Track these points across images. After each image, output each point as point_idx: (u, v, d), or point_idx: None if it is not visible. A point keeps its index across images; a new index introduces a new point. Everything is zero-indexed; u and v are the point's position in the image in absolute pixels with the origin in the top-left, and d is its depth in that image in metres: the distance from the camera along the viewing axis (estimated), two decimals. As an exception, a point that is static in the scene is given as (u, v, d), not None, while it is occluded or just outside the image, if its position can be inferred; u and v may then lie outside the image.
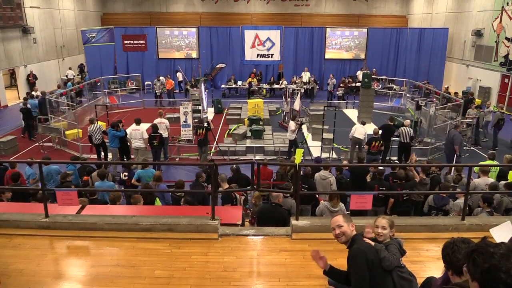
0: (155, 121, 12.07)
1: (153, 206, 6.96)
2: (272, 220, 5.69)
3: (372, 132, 11.43)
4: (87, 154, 12.32)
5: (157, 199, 7.19)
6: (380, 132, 11.40)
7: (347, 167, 9.08)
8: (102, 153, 11.89)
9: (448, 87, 21.73)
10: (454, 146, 10.79)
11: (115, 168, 10.77)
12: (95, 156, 12.35)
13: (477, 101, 18.65)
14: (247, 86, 22.32)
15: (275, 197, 6.01)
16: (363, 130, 11.91)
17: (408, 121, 12.41)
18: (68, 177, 7.73)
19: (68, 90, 18.34)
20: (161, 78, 21.03)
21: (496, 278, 1.67)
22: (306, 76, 23.01)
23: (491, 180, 7.57)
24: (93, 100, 18.26)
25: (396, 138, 12.21)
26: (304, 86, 21.60)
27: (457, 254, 2.59)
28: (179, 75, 22.95)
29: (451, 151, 11.00)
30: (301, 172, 7.77)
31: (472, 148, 13.65)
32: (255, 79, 22.71)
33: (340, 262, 4.55)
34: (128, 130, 11.80)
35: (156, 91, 20.45)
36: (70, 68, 25.66)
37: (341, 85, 21.74)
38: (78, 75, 25.77)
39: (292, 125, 12.18)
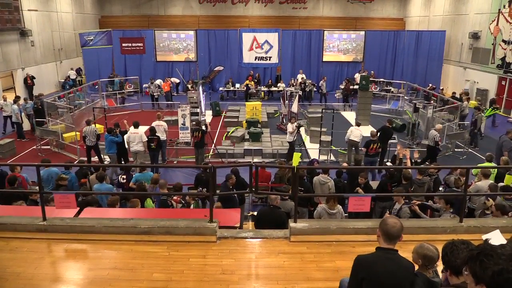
0: (153, 124, 12.06)
1: (151, 209, 6.95)
2: (271, 222, 5.70)
3: (368, 134, 11.43)
4: (84, 157, 12.27)
5: (148, 200, 7.16)
6: (378, 134, 11.42)
7: (345, 170, 9.09)
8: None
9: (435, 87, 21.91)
10: (503, 151, 10.65)
11: (113, 172, 10.74)
12: (92, 159, 12.34)
13: (472, 102, 18.72)
14: (245, 89, 22.32)
15: (273, 200, 6.01)
16: (358, 132, 11.91)
17: (440, 125, 12.36)
18: (61, 180, 7.67)
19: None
20: (156, 81, 20.99)
21: (508, 279, 1.65)
22: (300, 77, 23.00)
23: (491, 183, 7.56)
24: (91, 103, 18.24)
25: (394, 141, 12.23)
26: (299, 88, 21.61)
27: (455, 255, 2.60)
28: (175, 79, 22.96)
29: (500, 156, 10.74)
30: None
31: (470, 150, 13.68)
32: (252, 82, 22.72)
33: (339, 264, 4.56)
34: (126, 133, 11.78)
35: (154, 94, 20.42)
36: (72, 69, 25.70)
37: (340, 87, 21.67)
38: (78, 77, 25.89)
39: (289, 127, 12.19)
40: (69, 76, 25.17)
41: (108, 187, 8.03)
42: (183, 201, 7.22)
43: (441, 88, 22.05)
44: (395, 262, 2.95)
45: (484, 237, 3.57)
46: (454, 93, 19.23)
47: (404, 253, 3.23)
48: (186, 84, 21.35)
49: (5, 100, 14.92)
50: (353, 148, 12.14)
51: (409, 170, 8.15)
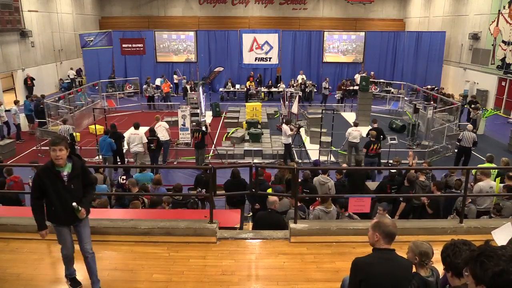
0: (156, 126, 12.02)
1: (151, 210, 6.94)
2: (269, 226, 5.62)
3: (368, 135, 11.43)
4: (85, 158, 12.28)
5: None
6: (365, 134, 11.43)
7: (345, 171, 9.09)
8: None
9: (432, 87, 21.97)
10: None
11: (110, 173, 10.72)
12: (93, 159, 12.35)
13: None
14: (245, 89, 22.33)
15: (271, 203, 5.93)
16: (357, 133, 11.90)
17: (471, 125, 12.33)
18: None
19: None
20: (156, 81, 20.94)
21: (508, 281, 1.66)
22: (300, 78, 23.02)
23: (493, 183, 7.52)
24: (91, 104, 18.23)
25: (394, 142, 12.21)
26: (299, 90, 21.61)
27: (458, 256, 2.57)
28: (176, 77, 22.99)
29: None
30: (300, 177, 7.79)
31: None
32: (252, 83, 22.71)
33: (339, 265, 4.56)
34: (126, 134, 11.77)
35: (154, 95, 20.42)
36: (71, 69, 25.70)
37: (342, 87, 21.75)
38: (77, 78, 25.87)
39: (287, 129, 12.14)
40: (68, 76, 25.12)
41: (103, 187, 7.97)
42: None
43: (435, 87, 22.01)
44: (393, 263, 2.96)
45: (493, 232, 3.56)
46: (442, 88, 19.19)
47: (404, 254, 3.24)
48: (185, 85, 21.30)
49: (0, 105, 14.67)
50: (353, 149, 12.13)
51: (414, 173, 8.05)
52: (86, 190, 4.02)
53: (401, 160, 9.54)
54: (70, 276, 4.15)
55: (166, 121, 13.76)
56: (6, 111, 14.81)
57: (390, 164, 11.29)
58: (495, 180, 8.00)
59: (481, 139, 14.78)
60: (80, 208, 3.82)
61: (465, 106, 15.73)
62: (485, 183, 7.39)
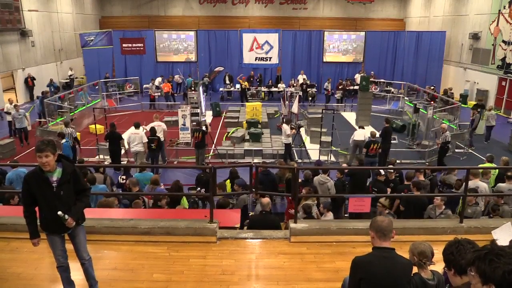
0: (153, 124, 12.03)
1: (151, 209, 6.94)
2: (264, 228, 5.60)
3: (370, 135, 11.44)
4: (85, 157, 12.26)
5: (184, 198, 7.13)
6: (378, 134, 11.41)
7: (346, 171, 9.08)
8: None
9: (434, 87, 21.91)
10: None
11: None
12: (93, 159, 12.37)
13: (470, 103, 18.72)
14: (239, 89, 22.31)
15: (266, 205, 5.90)
16: (362, 132, 11.95)
17: (444, 124, 12.34)
18: None
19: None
20: (155, 81, 20.99)
21: None
22: (301, 78, 23.01)
23: (481, 183, 7.46)
24: (91, 103, 18.23)
25: (394, 141, 12.22)
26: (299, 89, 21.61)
27: (462, 254, 2.55)
28: (178, 78, 22.99)
29: None
30: (301, 177, 7.80)
31: (470, 151, 13.67)
32: (246, 82, 22.63)
33: (339, 264, 4.56)
34: (127, 134, 11.76)
35: (155, 95, 20.42)
36: (71, 69, 25.67)
37: (339, 87, 21.73)
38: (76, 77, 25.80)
39: (287, 129, 12.14)
40: (69, 76, 25.06)
41: (101, 187, 7.97)
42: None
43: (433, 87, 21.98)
44: (392, 261, 2.96)
45: (493, 232, 3.56)
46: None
47: (404, 254, 3.24)
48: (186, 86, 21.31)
49: (11, 103, 14.44)
50: (358, 148, 12.09)
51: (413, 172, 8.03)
52: (78, 198, 3.80)
53: (394, 162, 9.56)
54: None
55: (166, 121, 13.73)
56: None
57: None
58: (495, 180, 8.00)
59: (481, 139, 14.81)
60: (66, 217, 3.57)
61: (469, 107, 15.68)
62: (471, 183, 7.28)
